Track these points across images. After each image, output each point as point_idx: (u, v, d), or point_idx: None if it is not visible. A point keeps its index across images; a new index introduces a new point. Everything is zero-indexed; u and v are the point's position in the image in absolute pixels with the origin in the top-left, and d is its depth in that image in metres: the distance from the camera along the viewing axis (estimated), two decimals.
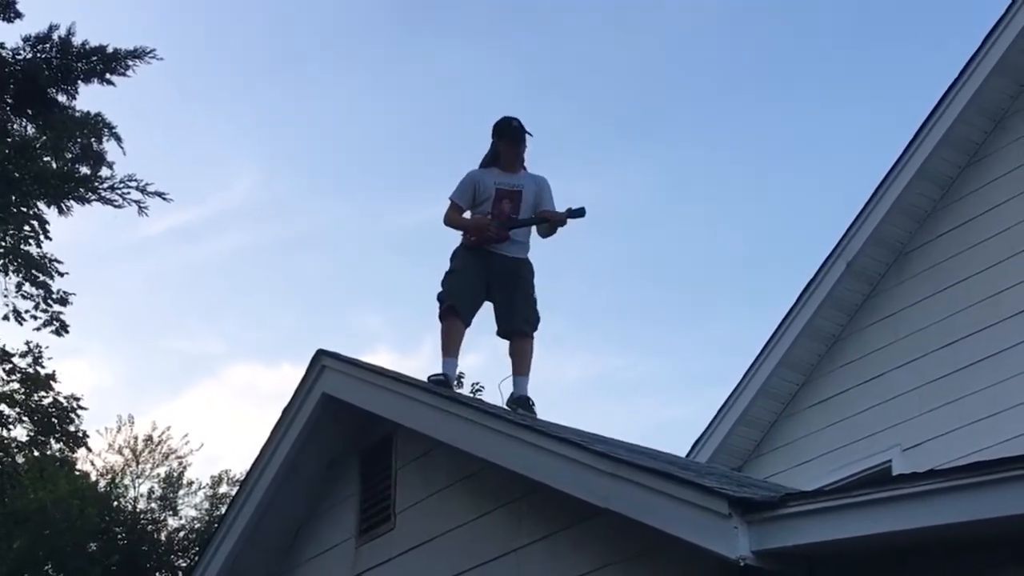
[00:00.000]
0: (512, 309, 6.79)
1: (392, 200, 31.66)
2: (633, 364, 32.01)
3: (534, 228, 6.95)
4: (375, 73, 30.96)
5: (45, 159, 14.52)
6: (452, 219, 6.95)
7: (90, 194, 14.65)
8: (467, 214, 6.98)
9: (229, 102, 32.02)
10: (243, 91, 31.70)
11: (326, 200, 32.67)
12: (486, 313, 6.94)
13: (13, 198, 14.79)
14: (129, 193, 14.74)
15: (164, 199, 14.81)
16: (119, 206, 14.77)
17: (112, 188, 14.68)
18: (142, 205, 14.77)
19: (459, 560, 5.85)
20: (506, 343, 6.88)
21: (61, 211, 14.88)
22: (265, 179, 31.66)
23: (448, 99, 29.78)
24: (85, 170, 14.64)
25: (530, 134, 6.94)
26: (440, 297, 6.84)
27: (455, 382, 7.20)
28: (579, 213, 6.81)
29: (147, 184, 14.75)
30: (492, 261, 6.83)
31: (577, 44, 29.56)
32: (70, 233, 28.96)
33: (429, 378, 6.57)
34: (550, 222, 6.84)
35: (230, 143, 31.88)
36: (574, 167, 26.82)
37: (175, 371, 32.96)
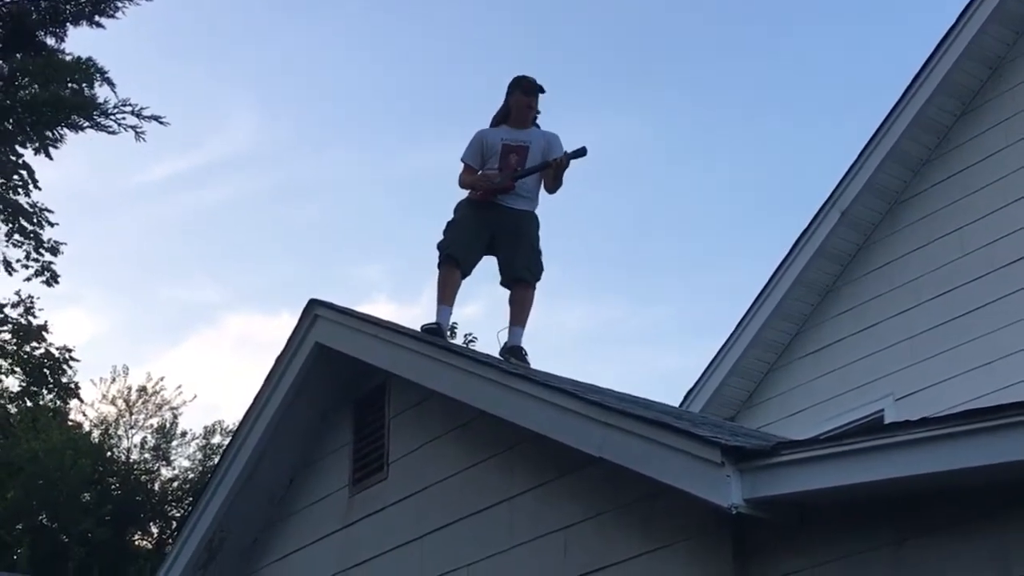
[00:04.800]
0: (515, 258, 6.79)
1: (394, 147, 31.54)
2: (631, 314, 32.09)
3: (542, 185, 6.94)
4: (375, 18, 30.76)
5: (34, 87, 14.21)
6: (464, 180, 6.98)
7: (83, 120, 14.34)
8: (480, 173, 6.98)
9: (226, 47, 31.80)
10: (241, 35, 31.46)
11: (326, 147, 32.57)
12: (486, 264, 6.93)
13: (4, 149, 14.57)
14: (124, 119, 14.41)
15: (161, 123, 14.47)
16: (113, 132, 14.43)
17: (106, 114, 14.34)
18: (139, 130, 14.43)
19: (452, 509, 5.86)
20: (504, 295, 6.88)
21: (54, 142, 14.50)
22: (264, 125, 31.50)
23: (449, 44, 29.62)
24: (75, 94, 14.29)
25: (543, 90, 6.94)
26: (440, 245, 6.84)
27: (448, 331, 7.19)
28: (580, 153, 6.83)
29: (142, 108, 14.40)
30: (496, 213, 6.83)
31: None
32: (67, 180, 28.83)
33: (422, 327, 6.56)
34: (553, 166, 6.82)
35: (228, 89, 31.67)
36: (569, 116, 26.76)
37: (174, 320, 32.95)
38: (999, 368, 7.94)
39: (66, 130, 14.32)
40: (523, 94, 6.94)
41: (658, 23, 30.75)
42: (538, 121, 7.03)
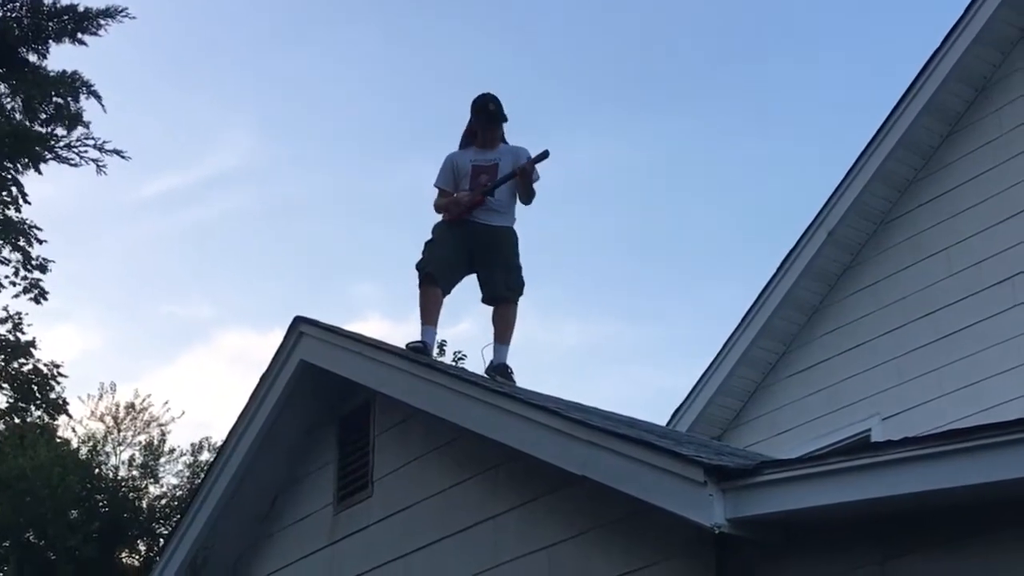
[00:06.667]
0: (494, 275, 6.78)
1: (388, 166, 31.45)
2: (624, 332, 32.01)
3: (518, 199, 6.93)
4: (370, 37, 30.71)
5: (7, 110, 14.11)
6: (438, 204, 6.98)
7: (46, 153, 14.27)
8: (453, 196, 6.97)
9: (220, 65, 31.73)
10: (235, 54, 31.38)
11: (320, 164, 32.45)
12: (472, 282, 6.92)
13: None
14: (86, 152, 14.31)
15: (122, 158, 14.36)
16: (76, 165, 14.33)
17: (68, 146, 14.26)
18: (100, 164, 14.34)
19: (436, 528, 5.84)
20: (490, 310, 6.86)
21: (38, 170, 14.46)
22: (259, 143, 31.37)
23: (445, 65, 29.60)
24: (39, 129, 14.21)
25: (506, 119, 6.95)
26: (418, 265, 6.82)
27: (435, 350, 7.17)
28: (542, 156, 6.83)
29: (104, 142, 14.30)
30: (473, 231, 6.81)
31: (565, 12, 29.43)
32: (60, 196, 28.66)
33: (408, 345, 6.54)
34: (520, 175, 6.81)
35: (222, 107, 31.58)
36: (563, 137, 26.78)
37: (167, 336, 32.73)
38: (986, 388, 7.94)
39: (29, 160, 14.16)
40: (485, 126, 6.93)
41: (651, 48, 30.82)
42: (506, 137, 7.01)
